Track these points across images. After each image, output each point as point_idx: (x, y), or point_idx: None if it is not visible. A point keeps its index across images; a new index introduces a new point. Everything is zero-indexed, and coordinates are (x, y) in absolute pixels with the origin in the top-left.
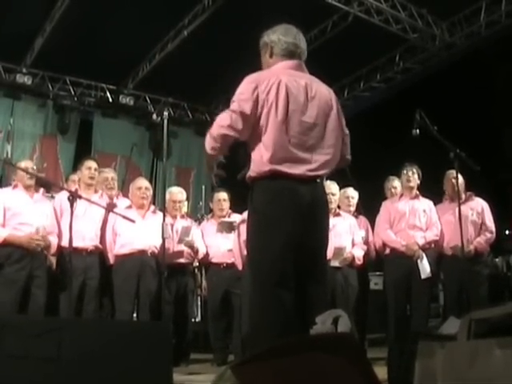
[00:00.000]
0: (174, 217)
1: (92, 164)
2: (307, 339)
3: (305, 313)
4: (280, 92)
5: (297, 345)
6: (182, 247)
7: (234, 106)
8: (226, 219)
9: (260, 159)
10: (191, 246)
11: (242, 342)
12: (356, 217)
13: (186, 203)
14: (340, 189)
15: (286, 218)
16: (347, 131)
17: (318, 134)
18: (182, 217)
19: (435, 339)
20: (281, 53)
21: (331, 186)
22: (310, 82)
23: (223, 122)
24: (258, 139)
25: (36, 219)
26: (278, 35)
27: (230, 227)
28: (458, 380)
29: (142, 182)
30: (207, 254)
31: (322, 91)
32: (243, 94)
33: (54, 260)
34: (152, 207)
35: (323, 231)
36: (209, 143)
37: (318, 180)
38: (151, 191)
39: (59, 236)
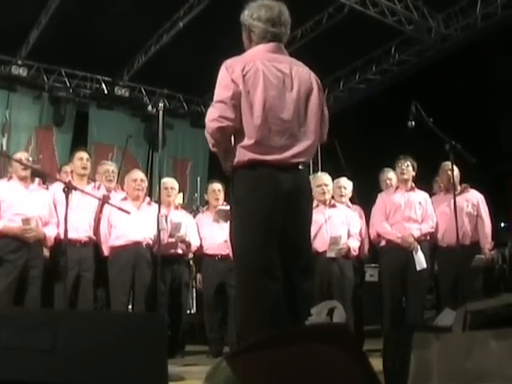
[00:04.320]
0: (168, 205)
1: (84, 155)
2: (302, 329)
3: (293, 303)
4: (257, 79)
5: (292, 335)
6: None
7: (216, 96)
8: (223, 207)
9: (239, 148)
10: (183, 241)
11: (237, 333)
12: (350, 206)
13: (181, 195)
14: (333, 179)
15: (265, 207)
16: (326, 111)
17: (299, 119)
18: (176, 208)
19: (430, 330)
20: (260, 38)
21: (323, 177)
22: (289, 66)
23: (212, 116)
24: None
25: (31, 210)
26: (258, 19)
27: (226, 216)
28: (453, 371)
29: (137, 174)
30: (201, 247)
31: (303, 74)
32: (222, 81)
33: (47, 251)
34: (147, 199)
35: (305, 219)
36: (209, 141)
37: (301, 167)
38: (146, 183)
39: (57, 226)
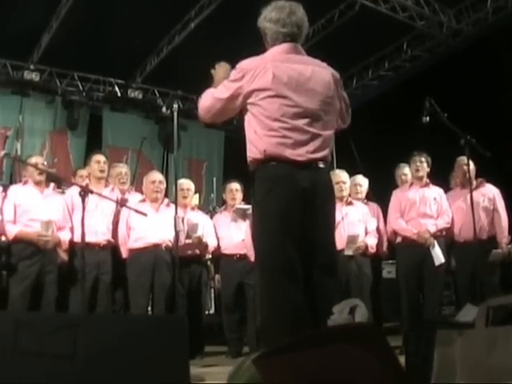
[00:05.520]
0: (184, 206)
1: (101, 158)
2: (329, 330)
3: (314, 303)
4: (266, 80)
5: (321, 336)
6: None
7: (218, 91)
8: (241, 206)
9: (255, 143)
10: (200, 242)
11: (257, 333)
12: (366, 204)
13: (197, 196)
14: (349, 177)
15: (282, 207)
16: (348, 102)
17: (314, 116)
18: (193, 209)
19: (453, 327)
20: (273, 40)
21: (341, 175)
22: (304, 65)
23: (204, 103)
24: (251, 126)
25: (46, 214)
26: (269, 21)
27: (244, 214)
28: (476, 367)
29: (156, 176)
30: (218, 247)
31: (320, 73)
32: (230, 82)
33: (65, 255)
34: (166, 200)
35: (325, 217)
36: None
37: (322, 165)
38: (165, 184)
39: (71, 231)
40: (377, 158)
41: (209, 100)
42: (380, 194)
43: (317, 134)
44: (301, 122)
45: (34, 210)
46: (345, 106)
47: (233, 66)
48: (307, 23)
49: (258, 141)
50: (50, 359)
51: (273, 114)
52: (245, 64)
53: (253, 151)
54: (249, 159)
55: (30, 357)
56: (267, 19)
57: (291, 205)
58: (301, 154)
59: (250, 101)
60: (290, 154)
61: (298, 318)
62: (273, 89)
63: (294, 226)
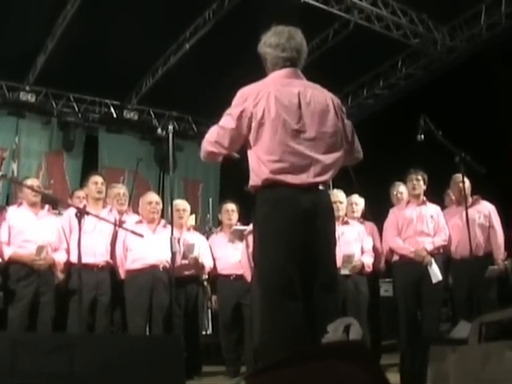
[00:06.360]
0: (180, 227)
1: (98, 179)
2: (320, 347)
3: (314, 322)
4: (269, 104)
5: (310, 353)
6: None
7: (223, 120)
8: (238, 227)
9: (257, 170)
10: (196, 262)
11: (254, 353)
12: (362, 223)
13: (193, 216)
14: (346, 196)
15: (284, 228)
16: (349, 130)
17: (315, 140)
18: (189, 230)
19: (447, 343)
20: (273, 65)
21: (338, 194)
22: (303, 89)
23: (211, 138)
24: (253, 150)
25: (40, 236)
26: (269, 46)
27: (241, 236)
28: (470, 383)
29: (153, 197)
30: (214, 268)
31: (318, 96)
32: (233, 108)
33: (62, 276)
34: (162, 221)
35: (327, 238)
36: (202, 154)
37: (322, 187)
38: (161, 205)
39: (68, 252)
40: (373, 177)
41: (215, 133)
42: (376, 213)
43: (317, 158)
44: (302, 146)
45: (28, 232)
46: (350, 134)
47: (229, 87)
48: (306, 47)
49: (260, 167)
50: (48, 379)
51: (275, 137)
52: (246, 89)
53: (254, 180)
54: (250, 187)
55: (28, 376)
56: (267, 44)
57: (292, 226)
58: (301, 178)
59: (253, 124)
60: (290, 179)
61: (299, 338)
62: (275, 112)
63: (296, 247)
